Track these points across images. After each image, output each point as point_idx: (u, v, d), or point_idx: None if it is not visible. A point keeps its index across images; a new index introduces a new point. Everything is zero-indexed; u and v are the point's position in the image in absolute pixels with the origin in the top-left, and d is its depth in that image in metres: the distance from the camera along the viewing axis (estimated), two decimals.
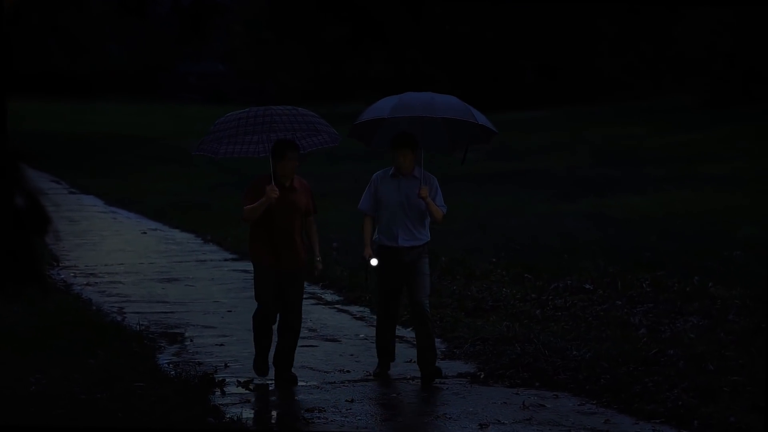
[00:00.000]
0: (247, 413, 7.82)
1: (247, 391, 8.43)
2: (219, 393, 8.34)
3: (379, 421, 7.74)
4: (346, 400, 8.21)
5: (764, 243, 13.57)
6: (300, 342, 10.03)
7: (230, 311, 11.62)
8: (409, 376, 8.95)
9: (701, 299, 10.73)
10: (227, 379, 8.61)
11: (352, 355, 9.70)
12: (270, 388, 8.54)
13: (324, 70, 42.03)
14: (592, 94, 35.73)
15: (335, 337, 10.44)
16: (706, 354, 8.82)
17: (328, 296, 12.61)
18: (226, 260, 15.24)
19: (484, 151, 22.87)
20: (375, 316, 11.16)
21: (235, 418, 7.60)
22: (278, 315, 8.70)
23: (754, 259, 12.65)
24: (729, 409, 7.58)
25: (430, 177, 8.84)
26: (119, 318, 11.02)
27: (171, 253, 15.93)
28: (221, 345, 10.03)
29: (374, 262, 8.80)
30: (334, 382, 8.65)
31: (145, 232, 18.22)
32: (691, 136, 25.67)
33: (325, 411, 7.90)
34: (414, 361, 9.22)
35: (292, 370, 8.73)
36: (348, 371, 9.09)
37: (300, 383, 8.62)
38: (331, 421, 7.69)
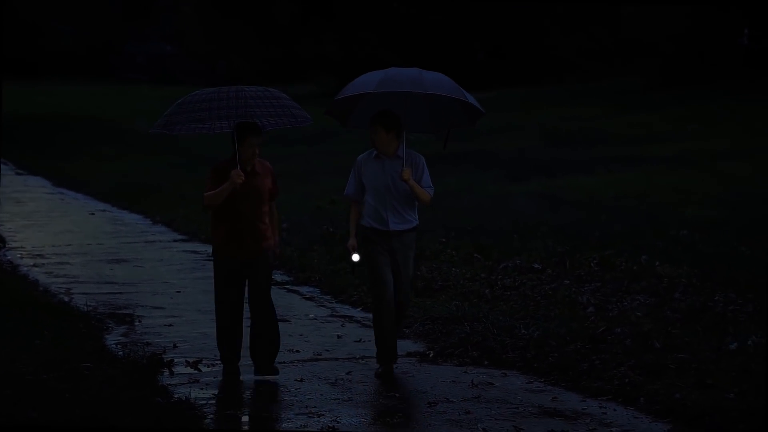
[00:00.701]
0: (196, 393, 7.79)
1: (195, 371, 8.39)
2: (167, 373, 8.31)
3: (329, 400, 7.74)
4: (296, 380, 8.21)
5: (711, 223, 13.70)
6: (249, 323, 10.01)
7: (179, 292, 11.57)
8: (358, 356, 8.96)
9: (648, 278, 10.82)
10: (176, 360, 8.57)
11: (301, 335, 9.69)
12: (219, 368, 8.51)
13: (275, 51, 41.82)
14: (543, 75, 35.85)
15: (285, 317, 10.40)
16: (652, 332, 8.90)
17: (278, 276, 12.56)
18: (175, 241, 15.15)
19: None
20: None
21: (183, 398, 7.57)
22: (245, 317, 8.31)
23: (700, 238, 12.77)
24: (674, 386, 7.66)
25: (414, 156, 8.40)
26: (66, 299, 10.93)
27: (119, 234, 15.82)
28: (170, 326, 9.99)
29: (356, 257, 8.39)
30: (284, 362, 8.63)
31: (93, 214, 18.07)
32: (642, 117, 25.81)
33: (274, 391, 7.89)
34: (364, 341, 9.22)
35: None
36: (297, 351, 9.09)
37: (248, 362, 8.58)
38: (281, 400, 7.69)
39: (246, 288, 8.30)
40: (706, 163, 18.81)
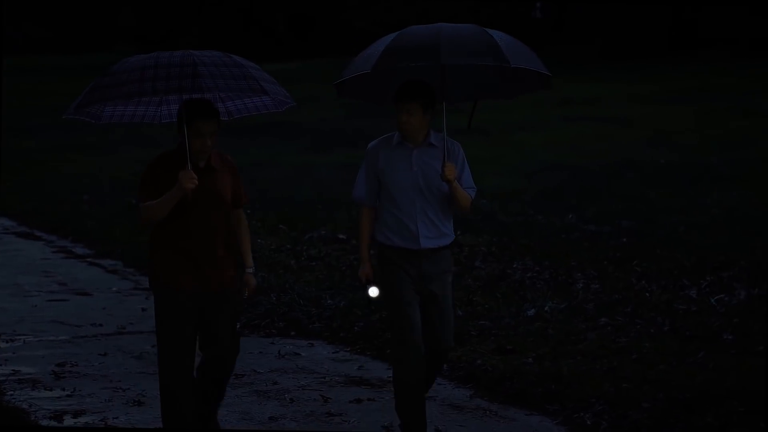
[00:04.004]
0: None
1: None
2: None
3: (134, 374, 7.66)
4: (99, 354, 8.09)
5: (508, 193, 14.09)
6: (50, 296, 9.80)
7: None
8: None
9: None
10: None
11: (104, 308, 9.54)
12: (21, 343, 8.30)
13: (70, 18, 40.69)
14: (343, 46, 36.03)
15: (87, 290, 10.22)
16: (455, 300, 9.10)
17: (79, 250, 12.33)
18: None
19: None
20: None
21: None
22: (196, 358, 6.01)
23: (499, 207, 13.13)
24: (476, 352, 7.88)
25: (453, 145, 6.05)
26: None
27: None
28: None
29: (374, 292, 6.10)
30: (86, 336, 8.49)
31: None
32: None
33: (77, 365, 7.76)
34: None
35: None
36: (101, 324, 8.94)
37: (50, 338, 8.41)
38: (84, 375, 7.56)
39: (198, 337, 5.94)
40: (502, 134, 19.30)
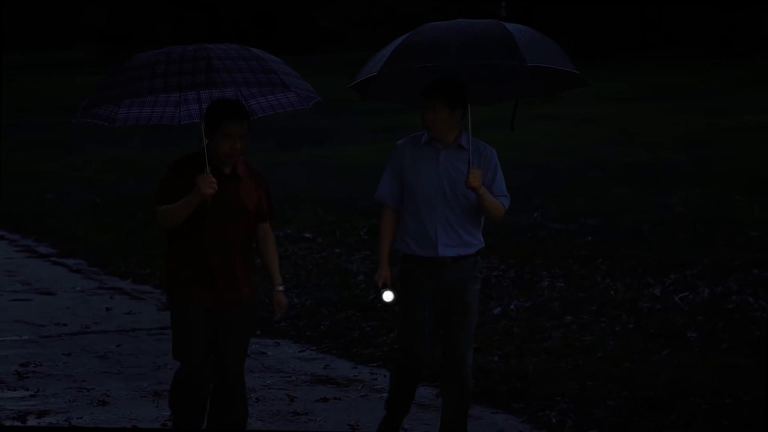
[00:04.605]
0: None
1: None
2: None
3: (98, 373, 7.62)
4: (63, 354, 8.04)
5: None
6: (13, 296, 9.73)
7: None
8: (128, 328, 8.84)
9: None
10: None
11: (68, 308, 9.48)
12: None
13: (30, 14, 40.44)
14: (307, 44, 35.96)
15: (51, 290, 10.15)
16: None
17: (43, 249, 12.25)
18: None
19: None
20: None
21: None
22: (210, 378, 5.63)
23: None
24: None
25: (485, 149, 5.71)
26: None
27: None
28: None
29: (388, 297, 5.74)
30: (50, 336, 8.44)
31: None
32: None
33: (41, 365, 7.71)
34: (133, 313, 9.08)
35: None
36: (65, 324, 8.88)
37: (13, 337, 8.35)
38: (48, 375, 7.52)
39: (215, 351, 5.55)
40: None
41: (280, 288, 5.65)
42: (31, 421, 6.61)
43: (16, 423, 6.59)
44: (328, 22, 36.23)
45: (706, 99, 20.03)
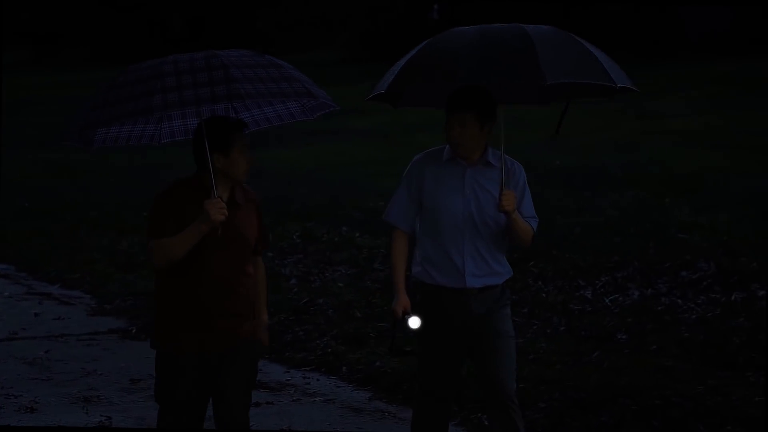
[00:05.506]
0: None
1: None
2: None
3: (26, 380, 7.52)
4: None
5: None
6: None
7: None
8: (57, 334, 8.73)
9: (349, 249, 11.07)
10: None
11: None
12: None
13: None
14: (237, 47, 35.86)
15: None
16: (353, 302, 9.12)
17: None
18: None
19: None
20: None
21: None
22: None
23: None
24: (375, 354, 7.88)
25: (512, 165, 5.14)
26: None
27: None
28: None
29: (415, 323, 5.12)
30: None
31: None
32: (338, 90, 26.30)
33: None
34: (63, 318, 8.95)
35: None
36: None
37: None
38: None
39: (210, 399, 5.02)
40: (401, 135, 19.36)
41: (265, 326, 5.08)
42: None
43: None
44: (259, 24, 36.09)
45: (635, 102, 20.26)
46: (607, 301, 8.97)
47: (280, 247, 11.34)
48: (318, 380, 7.62)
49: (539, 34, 4.89)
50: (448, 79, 4.85)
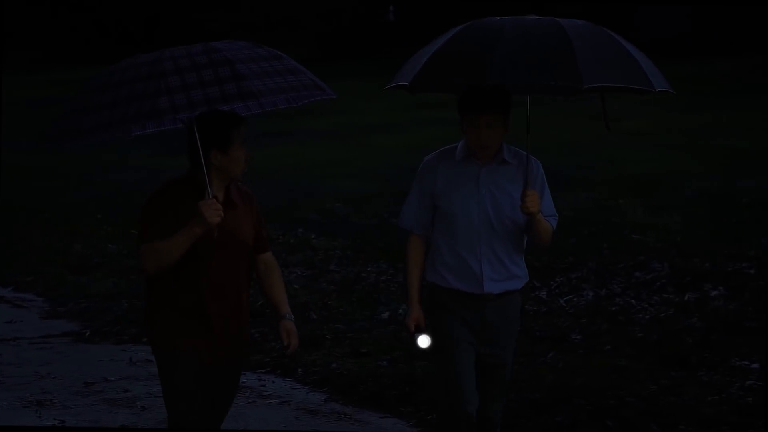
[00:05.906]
0: None
1: None
2: None
3: None
4: None
5: (363, 195, 14.13)
6: None
7: None
8: (9, 337, 8.65)
9: (305, 251, 11.05)
10: None
11: None
12: None
13: None
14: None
15: None
16: (309, 303, 9.10)
17: None
18: None
19: None
20: None
21: None
22: None
23: (353, 210, 13.16)
24: (331, 355, 7.88)
25: (529, 161, 4.87)
26: None
27: None
28: None
29: (425, 342, 4.90)
30: None
31: None
32: None
33: None
34: (15, 321, 8.88)
35: None
36: None
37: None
38: None
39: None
40: (358, 136, 19.36)
41: (290, 318, 4.80)
42: None
43: None
44: (214, 25, 35.96)
45: (589, 103, 20.38)
46: (561, 301, 9.02)
47: None
48: (273, 382, 7.60)
49: (575, 31, 4.55)
50: (477, 78, 4.52)
